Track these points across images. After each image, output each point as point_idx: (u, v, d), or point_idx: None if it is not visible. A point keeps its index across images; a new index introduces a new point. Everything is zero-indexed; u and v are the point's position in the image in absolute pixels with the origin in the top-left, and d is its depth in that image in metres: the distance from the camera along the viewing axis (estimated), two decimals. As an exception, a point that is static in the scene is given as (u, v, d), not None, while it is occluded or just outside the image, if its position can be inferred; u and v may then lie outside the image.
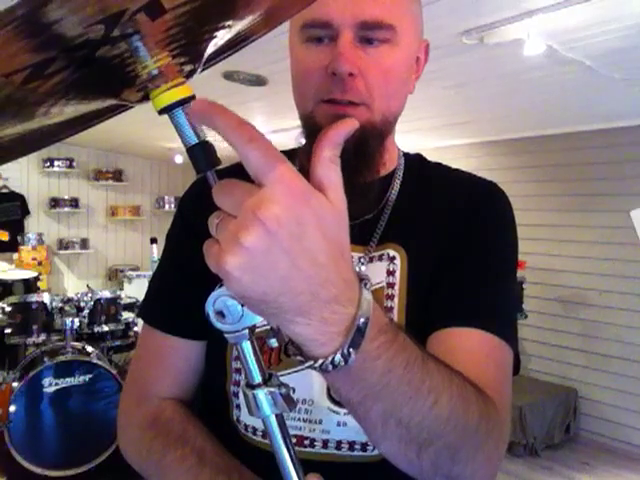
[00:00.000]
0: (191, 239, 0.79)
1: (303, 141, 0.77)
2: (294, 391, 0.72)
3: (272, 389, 0.46)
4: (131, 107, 0.50)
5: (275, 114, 4.09)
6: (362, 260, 0.75)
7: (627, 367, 3.79)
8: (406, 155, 0.85)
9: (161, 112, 0.45)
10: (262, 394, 0.46)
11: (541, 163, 4.26)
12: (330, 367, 0.44)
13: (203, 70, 0.50)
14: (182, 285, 0.80)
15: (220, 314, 0.44)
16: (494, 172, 4.12)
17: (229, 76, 3.12)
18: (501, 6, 2.12)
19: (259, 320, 0.45)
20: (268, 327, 0.47)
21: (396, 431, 0.50)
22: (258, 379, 0.46)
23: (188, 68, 0.47)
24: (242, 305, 0.44)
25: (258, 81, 3.16)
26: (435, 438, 0.52)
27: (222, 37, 0.48)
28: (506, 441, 0.63)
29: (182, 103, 0.44)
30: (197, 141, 0.45)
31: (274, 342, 0.47)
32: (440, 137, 4.64)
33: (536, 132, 4.20)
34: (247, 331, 0.45)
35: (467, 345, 0.67)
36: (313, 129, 0.71)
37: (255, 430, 0.74)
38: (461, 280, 0.73)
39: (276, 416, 0.46)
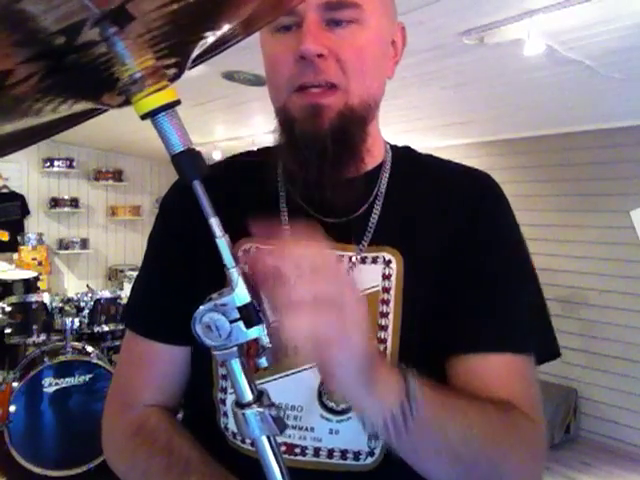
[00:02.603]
0: (174, 242, 0.78)
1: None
2: (282, 404, 0.70)
3: (262, 409, 0.44)
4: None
5: (275, 114, 4.08)
6: (354, 259, 0.72)
7: (627, 367, 3.78)
8: (394, 147, 0.81)
9: (144, 117, 0.42)
10: (252, 415, 0.44)
11: (541, 163, 4.25)
12: (419, 394, 0.54)
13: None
14: (165, 290, 0.78)
15: (208, 329, 0.43)
16: (494, 172, 4.06)
17: (229, 76, 3.11)
18: (501, 6, 2.12)
19: (249, 337, 0.43)
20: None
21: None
22: (248, 398, 0.44)
23: (172, 71, 0.43)
24: (230, 322, 0.42)
25: (258, 81, 3.15)
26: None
27: (209, 39, 0.46)
28: (544, 443, 0.66)
29: (166, 108, 0.42)
30: (183, 148, 0.42)
31: (264, 362, 0.45)
32: (440, 137, 4.63)
33: (535, 132, 4.18)
34: (236, 349, 0.43)
35: (489, 371, 0.67)
36: (287, 123, 0.68)
37: (244, 437, 0.71)
38: (476, 299, 0.71)
39: (267, 436, 0.45)
